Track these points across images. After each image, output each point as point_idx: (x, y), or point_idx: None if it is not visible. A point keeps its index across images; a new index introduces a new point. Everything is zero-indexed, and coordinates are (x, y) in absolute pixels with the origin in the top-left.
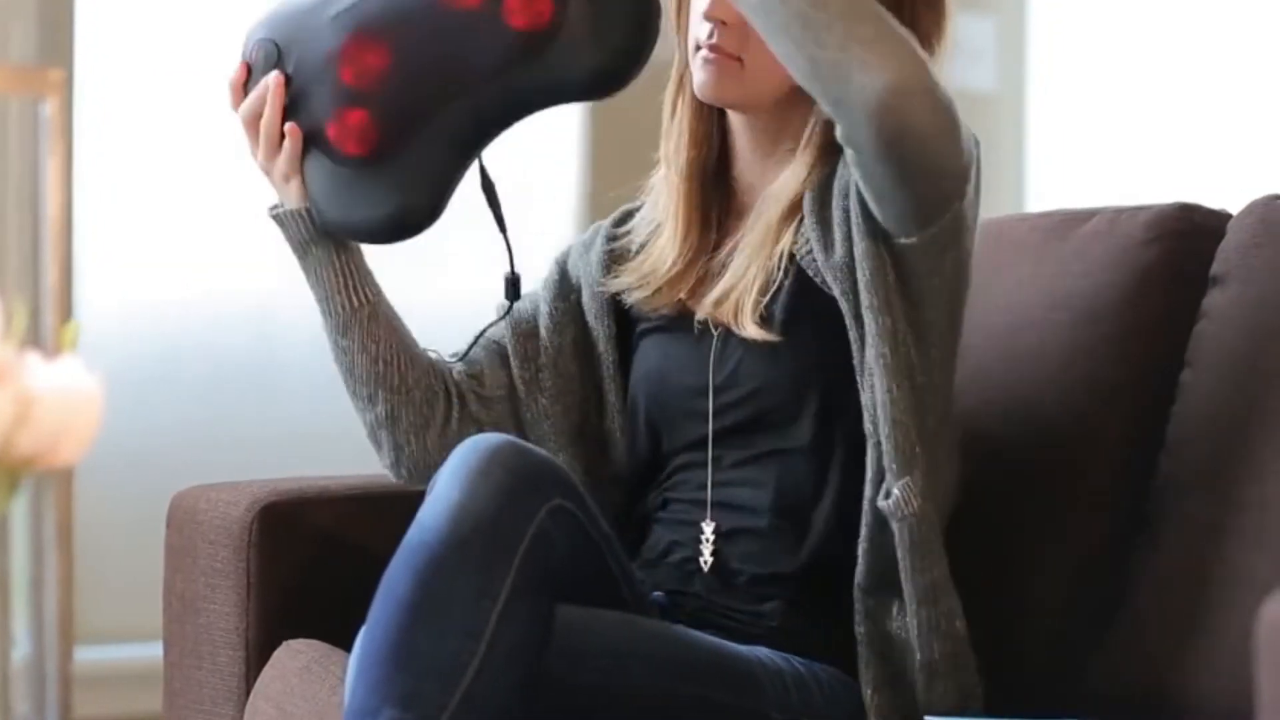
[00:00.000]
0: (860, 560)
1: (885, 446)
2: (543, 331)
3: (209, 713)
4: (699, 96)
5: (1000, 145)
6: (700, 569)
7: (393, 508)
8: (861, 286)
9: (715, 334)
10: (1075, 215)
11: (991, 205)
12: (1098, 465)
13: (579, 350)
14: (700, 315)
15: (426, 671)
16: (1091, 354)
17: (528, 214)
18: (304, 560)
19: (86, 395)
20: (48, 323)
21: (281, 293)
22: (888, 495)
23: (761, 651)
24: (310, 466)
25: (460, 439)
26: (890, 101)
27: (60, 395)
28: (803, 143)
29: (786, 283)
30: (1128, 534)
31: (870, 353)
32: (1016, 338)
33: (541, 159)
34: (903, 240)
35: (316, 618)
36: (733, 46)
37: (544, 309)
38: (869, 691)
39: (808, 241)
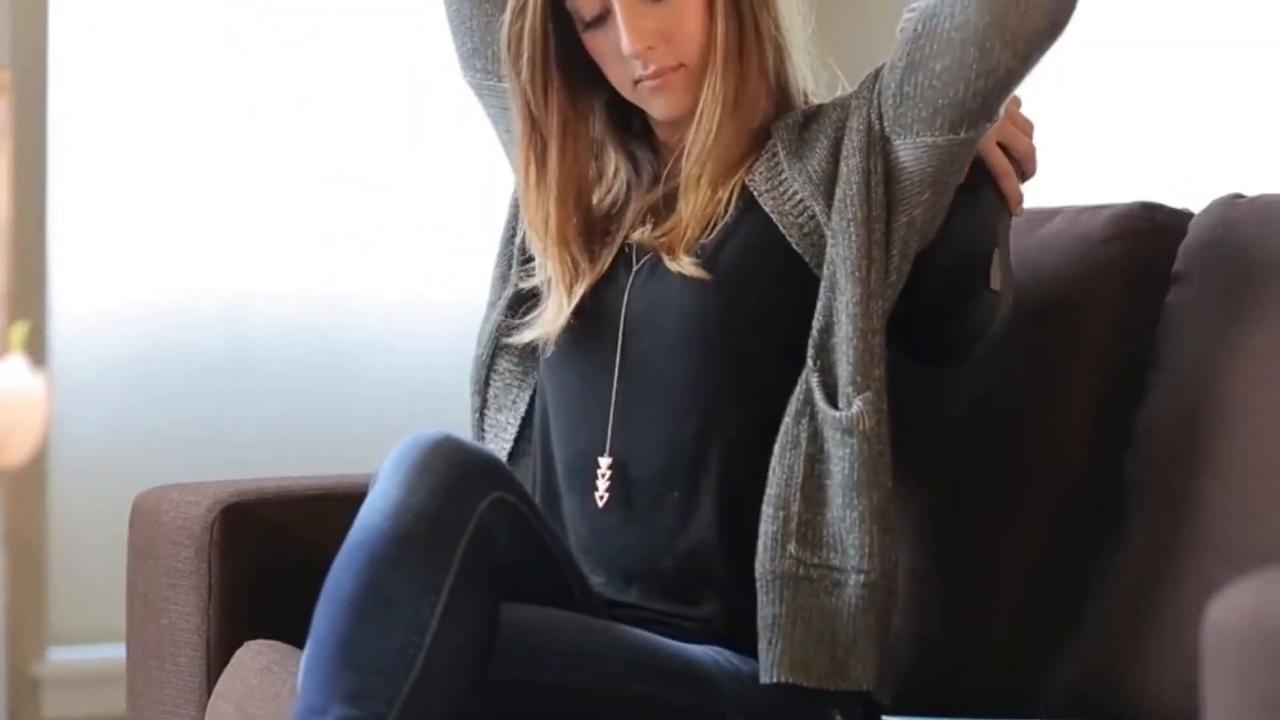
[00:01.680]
0: (794, 492)
1: (850, 358)
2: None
3: (171, 713)
4: (665, 119)
5: None
6: (597, 507)
7: (355, 508)
8: (841, 200)
9: (639, 263)
10: (1038, 213)
11: None
12: (1060, 462)
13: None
14: (634, 239)
15: (373, 668)
16: (1054, 352)
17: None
18: (265, 560)
19: (31, 397)
20: None
21: (254, 294)
22: (849, 405)
23: (717, 651)
24: (284, 468)
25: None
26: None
27: (4, 397)
28: (705, 118)
29: (731, 217)
30: (1090, 532)
31: (840, 268)
32: None
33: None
34: (917, 139)
35: (278, 618)
36: (671, 57)
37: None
38: (784, 625)
39: (776, 164)
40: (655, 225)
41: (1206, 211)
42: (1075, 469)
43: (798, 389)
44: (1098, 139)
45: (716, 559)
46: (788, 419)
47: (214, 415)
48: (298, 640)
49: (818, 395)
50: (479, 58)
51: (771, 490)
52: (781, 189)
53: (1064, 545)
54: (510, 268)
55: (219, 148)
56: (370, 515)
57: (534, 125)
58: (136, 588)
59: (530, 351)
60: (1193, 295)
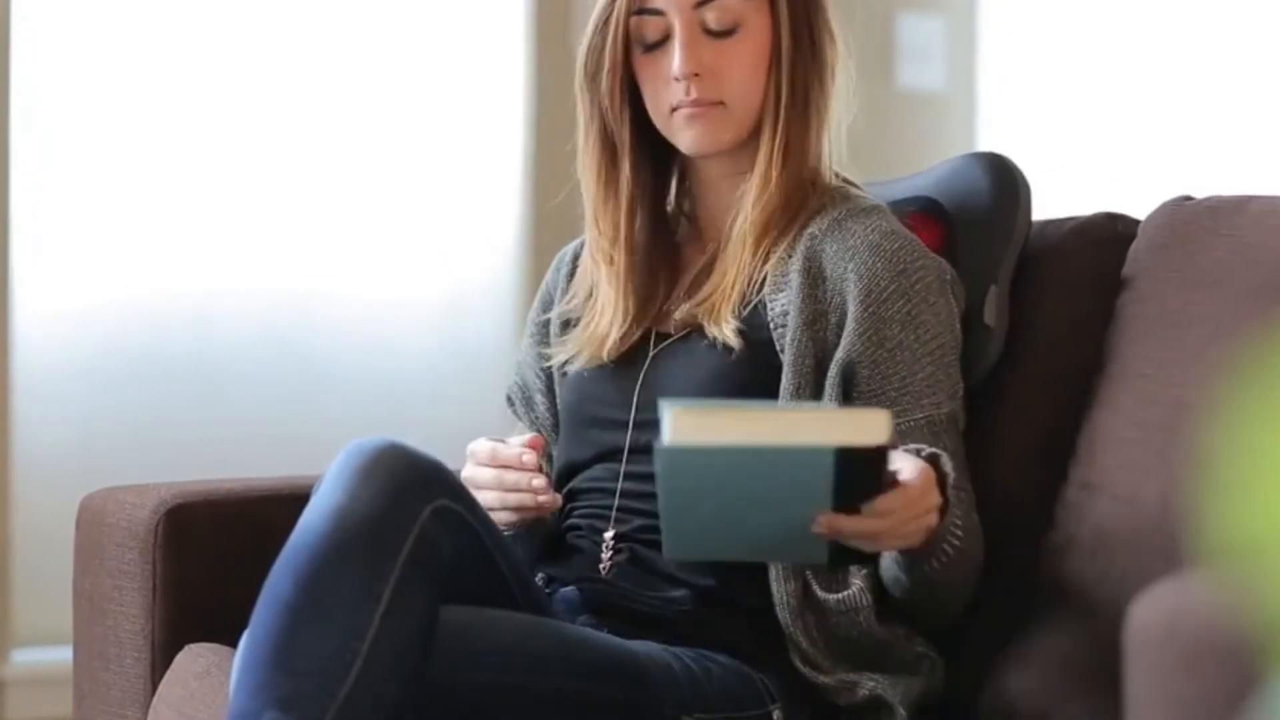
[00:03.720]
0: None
1: None
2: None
3: (116, 714)
4: (691, 153)
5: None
6: (600, 574)
7: (300, 510)
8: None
9: (653, 349)
10: None
11: None
12: (1011, 465)
13: None
14: (677, 316)
15: (308, 673)
16: (1008, 360)
17: (470, 222)
18: (210, 562)
19: None
20: None
21: (220, 294)
22: None
23: (652, 646)
24: (251, 469)
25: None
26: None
27: None
28: (760, 165)
29: (751, 307)
30: (1037, 533)
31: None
32: None
33: (484, 166)
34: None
35: (223, 620)
36: (714, 93)
37: (542, 377)
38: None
39: (780, 297)
40: (690, 298)
41: (1155, 214)
42: (1026, 472)
43: None
44: (1088, 140)
45: (718, 607)
46: None
47: (179, 416)
48: None
49: None
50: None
51: None
52: (783, 296)
53: (1012, 546)
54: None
55: (185, 147)
56: (312, 519)
57: (605, 138)
58: (83, 589)
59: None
60: (1138, 297)
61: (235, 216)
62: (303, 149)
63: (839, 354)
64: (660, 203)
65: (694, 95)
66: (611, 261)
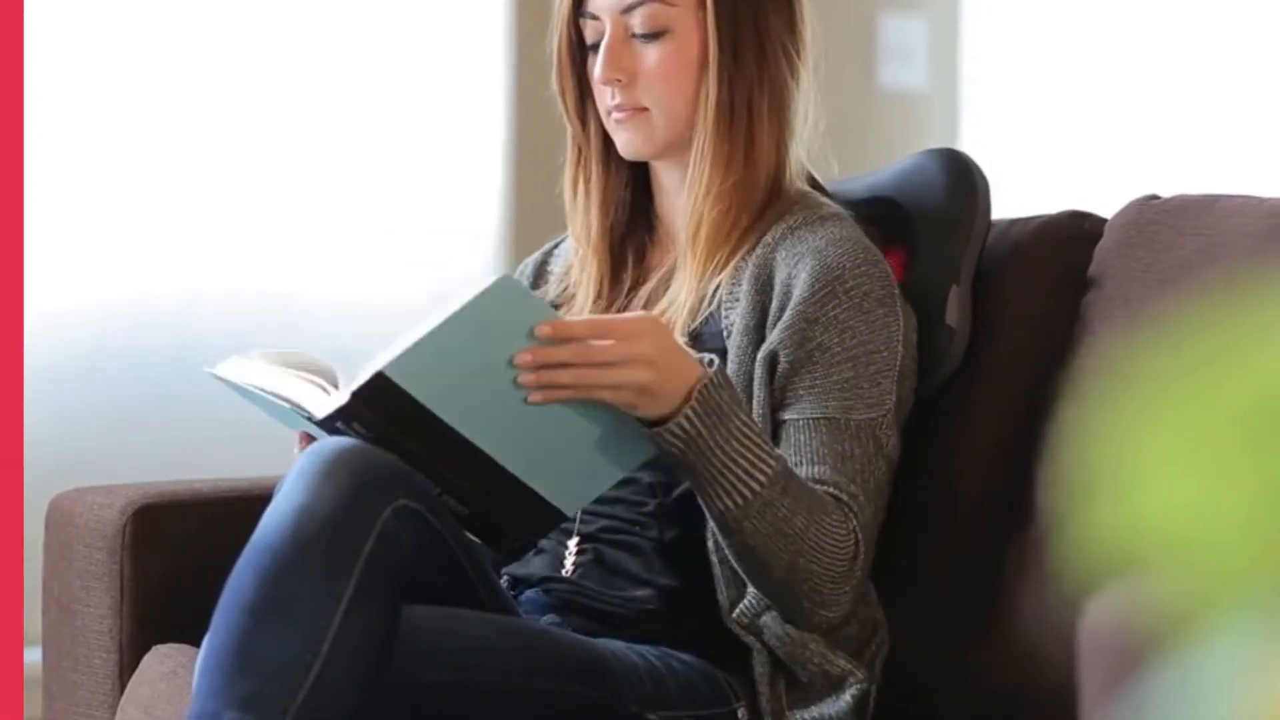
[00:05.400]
0: None
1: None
2: None
3: (85, 715)
4: (626, 158)
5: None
6: (563, 574)
7: None
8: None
9: None
10: None
11: None
12: (974, 469)
13: None
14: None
15: (268, 674)
16: (971, 361)
17: (452, 223)
18: (178, 563)
19: None
20: None
21: (203, 295)
22: None
23: (616, 645)
24: (235, 469)
25: None
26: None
27: None
28: (690, 176)
29: (708, 317)
30: (1003, 533)
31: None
32: None
33: (465, 167)
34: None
35: (191, 620)
36: (635, 99)
37: None
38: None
39: (734, 309)
40: (648, 310)
41: (1121, 214)
42: (991, 472)
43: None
44: (1071, 140)
45: (682, 607)
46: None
47: (159, 416)
48: None
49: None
50: None
51: None
52: (738, 306)
53: (977, 544)
54: None
55: (164, 146)
56: (273, 519)
57: (574, 138)
58: (51, 590)
59: None
60: (1104, 297)
61: (216, 217)
62: (284, 150)
63: (763, 347)
64: (639, 205)
65: (618, 100)
66: (584, 264)
